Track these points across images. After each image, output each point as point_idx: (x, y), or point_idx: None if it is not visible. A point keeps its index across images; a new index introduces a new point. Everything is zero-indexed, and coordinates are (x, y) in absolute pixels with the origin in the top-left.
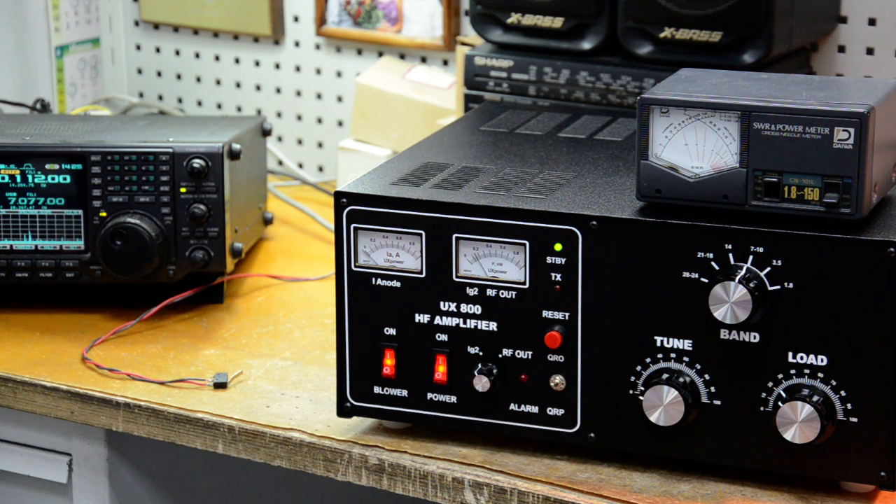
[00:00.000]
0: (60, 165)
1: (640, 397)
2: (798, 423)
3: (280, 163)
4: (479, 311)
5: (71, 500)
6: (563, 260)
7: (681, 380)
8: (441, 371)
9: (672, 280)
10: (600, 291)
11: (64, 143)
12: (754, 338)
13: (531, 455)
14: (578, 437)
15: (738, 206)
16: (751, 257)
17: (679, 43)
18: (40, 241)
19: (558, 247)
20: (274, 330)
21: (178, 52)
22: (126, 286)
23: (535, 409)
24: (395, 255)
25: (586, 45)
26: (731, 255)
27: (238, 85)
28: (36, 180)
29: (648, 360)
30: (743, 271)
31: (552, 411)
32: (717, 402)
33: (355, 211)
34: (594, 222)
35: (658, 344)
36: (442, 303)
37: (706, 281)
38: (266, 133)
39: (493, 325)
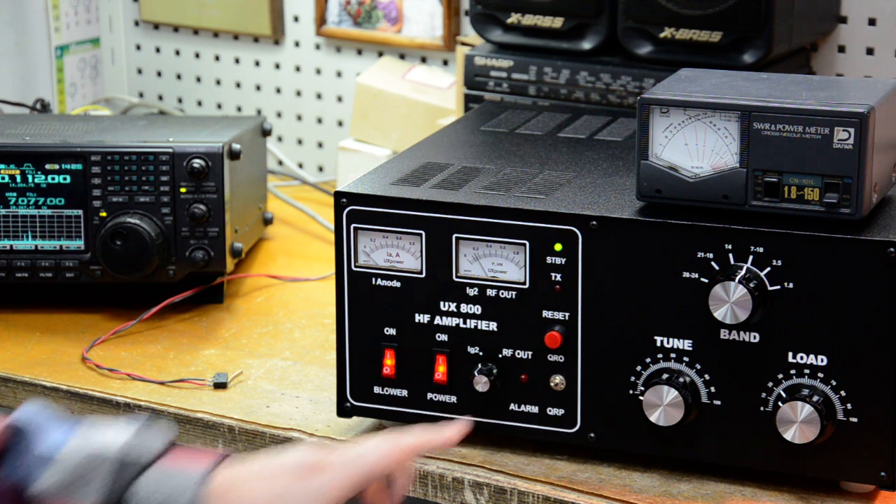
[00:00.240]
0: (60, 165)
1: (640, 397)
2: (798, 423)
3: (280, 163)
4: (479, 311)
5: None
6: (563, 260)
7: (681, 380)
8: (441, 371)
9: (672, 280)
10: (600, 291)
11: (64, 143)
12: (754, 338)
13: (531, 455)
14: (578, 437)
15: (738, 206)
16: (751, 257)
17: (679, 43)
18: (40, 241)
19: (558, 247)
20: (274, 330)
21: (178, 52)
22: (126, 286)
23: (535, 409)
24: (395, 255)
25: (586, 45)
26: (731, 255)
27: (238, 85)
28: (36, 180)
29: (648, 360)
30: (743, 271)
31: (552, 411)
32: (717, 402)
33: (355, 211)
34: (594, 222)
35: (658, 344)
36: (442, 303)
37: (706, 281)
38: (266, 133)
39: (493, 325)
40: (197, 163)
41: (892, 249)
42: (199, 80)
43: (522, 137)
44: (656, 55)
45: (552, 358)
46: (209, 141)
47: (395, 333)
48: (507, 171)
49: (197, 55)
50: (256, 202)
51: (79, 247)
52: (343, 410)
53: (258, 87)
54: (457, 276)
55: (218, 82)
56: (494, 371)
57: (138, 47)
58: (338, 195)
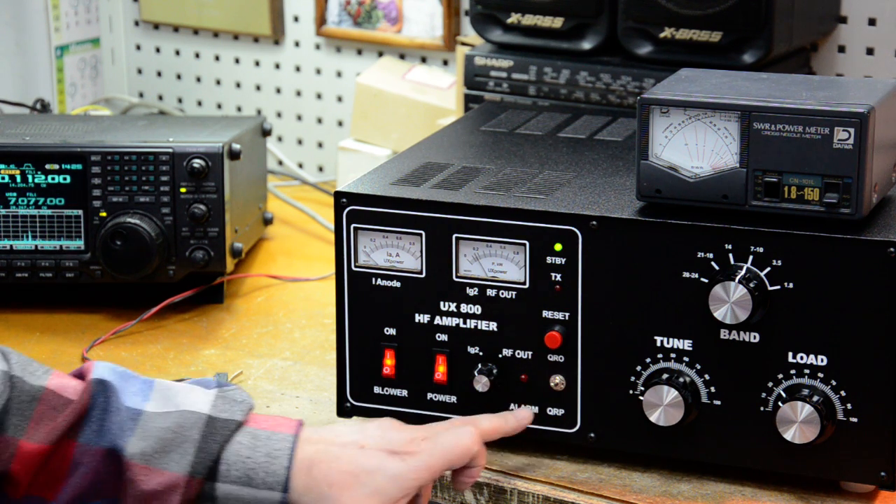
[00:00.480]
0: (60, 165)
1: (640, 397)
2: (798, 423)
3: (280, 163)
4: (479, 311)
5: None
6: (563, 260)
7: (681, 380)
8: (441, 371)
9: (672, 280)
10: (600, 291)
11: (64, 143)
12: (754, 338)
13: (531, 455)
14: (578, 437)
15: (738, 206)
16: (751, 257)
17: (679, 43)
18: (40, 241)
19: (558, 247)
20: (274, 330)
21: (178, 52)
22: (126, 286)
23: (534, 410)
24: (395, 255)
25: (586, 45)
26: (731, 255)
27: (238, 85)
28: (36, 180)
29: (648, 360)
30: (743, 271)
31: (552, 411)
32: (717, 402)
33: (355, 211)
34: (594, 222)
35: (658, 344)
36: (442, 303)
37: (706, 281)
38: (266, 133)
39: (493, 325)
40: (197, 163)
41: (892, 249)
42: (199, 80)
43: (522, 137)
44: (656, 55)
45: (552, 358)
46: (209, 141)
47: (395, 333)
48: (507, 171)
49: (197, 55)
50: (256, 202)
51: (79, 247)
52: (343, 410)
53: (258, 87)
54: (457, 276)
55: (218, 82)
56: (494, 371)
57: (138, 47)
58: (338, 195)
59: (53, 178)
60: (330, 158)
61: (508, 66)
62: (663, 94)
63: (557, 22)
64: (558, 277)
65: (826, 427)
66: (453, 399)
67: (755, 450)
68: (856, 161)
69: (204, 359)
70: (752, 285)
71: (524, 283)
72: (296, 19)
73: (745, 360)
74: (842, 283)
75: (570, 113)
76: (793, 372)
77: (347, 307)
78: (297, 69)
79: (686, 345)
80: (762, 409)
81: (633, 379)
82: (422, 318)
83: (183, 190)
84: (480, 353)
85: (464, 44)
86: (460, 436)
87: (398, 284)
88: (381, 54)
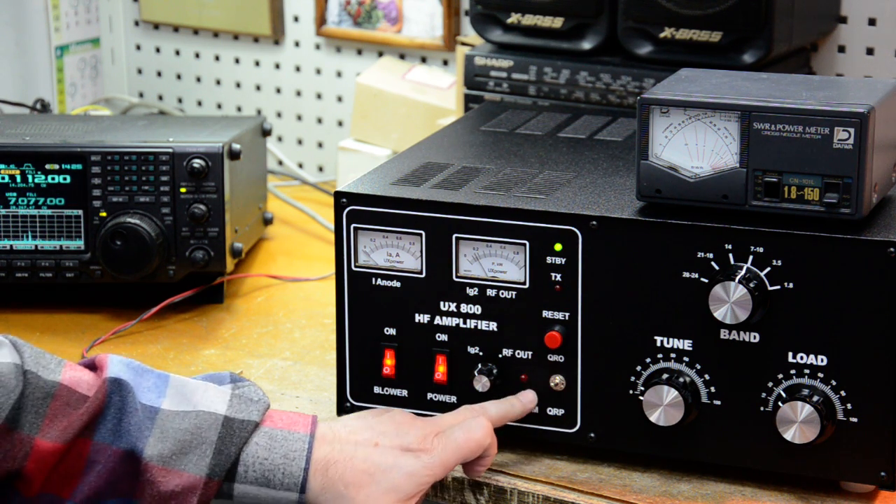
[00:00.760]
0: (60, 165)
1: (640, 397)
2: (798, 423)
3: (280, 163)
4: (479, 311)
5: None
6: (563, 260)
7: (681, 380)
8: (441, 371)
9: (672, 280)
10: (600, 291)
11: (64, 143)
12: (754, 338)
13: (531, 455)
14: (578, 437)
15: (738, 206)
16: (751, 257)
17: (679, 43)
18: (40, 241)
19: (558, 247)
20: (274, 330)
21: (178, 52)
22: (126, 286)
23: (535, 409)
24: (395, 255)
25: (586, 45)
26: (731, 255)
27: (238, 85)
28: (36, 180)
29: (648, 360)
30: (743, 271)
31: (552, 411)
32: (717, 403)
33: (355, 211)
34: (594, 222)
35: (658, 344)
36: (442, 303)
37: (706, 281)
38: (266, 133)
39: (493, 325)
40: (197, 163)
41: (892, 249)
42: (199, 80)
43: (522, 137)
44: (656, 55)
45: (552, 358)
46: (209, 141)
47: (395, 333)
48: (507, 171)
49: (197, 55)
50: (256, 202)
51: (79, 247)
52: (343, 410)
53: (258, 87)
54: (457, 276)
55: (218, 82)
56: (494, 371)
57: (138, 47)
58: (338, 195)
59: (53, 178)
60: (330, 158)
61: (508, 66)
62: (663, 94)
63: (557, 22)
64: (558, 277)
65: (826, 427)
66: (453, 399)
67: (755, 450)
68: (856, 161)
69: (204, 359)
70: (752, 285)
71: (524, 283)
72: (296, 19)
73: (745, 360)
74: (842, 283)
75: (570, 113)
76: (793, 372)
77: (347, 307)
78: (297, 69)
79: (686, 345)
80: (762, 409)
81: (633, 379)
82: (422, 318)
83: (183, 190)
84: (480, 353)
85: (464, 44)
86: (472, 430)
87: (398, 284)
88: (381, 54)
